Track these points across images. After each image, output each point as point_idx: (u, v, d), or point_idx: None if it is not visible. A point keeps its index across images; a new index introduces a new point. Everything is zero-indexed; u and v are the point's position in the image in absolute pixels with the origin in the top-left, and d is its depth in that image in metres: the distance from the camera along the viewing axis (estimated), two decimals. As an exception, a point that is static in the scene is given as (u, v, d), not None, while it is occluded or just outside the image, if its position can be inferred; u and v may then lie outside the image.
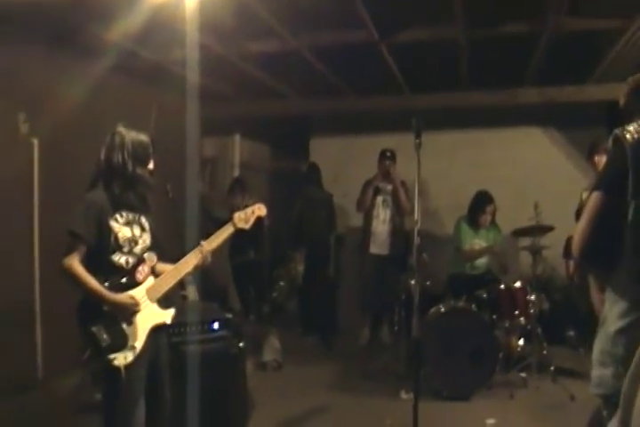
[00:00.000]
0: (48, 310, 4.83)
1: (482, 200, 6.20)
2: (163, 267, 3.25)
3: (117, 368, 2.91)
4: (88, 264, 2.95)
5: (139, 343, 3.01)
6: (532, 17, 4.88)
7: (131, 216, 3.14)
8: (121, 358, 2.93)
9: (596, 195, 2.09)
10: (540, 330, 5.50)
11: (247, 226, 3.41)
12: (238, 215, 3.40)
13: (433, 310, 5.36)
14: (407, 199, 6.69)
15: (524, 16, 4.92)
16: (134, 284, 3.09)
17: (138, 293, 3.07)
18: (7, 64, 4.50)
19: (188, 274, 3.28)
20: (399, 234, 6.88)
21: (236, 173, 8.70)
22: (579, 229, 2.10)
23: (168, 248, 3.40)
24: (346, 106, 7.75)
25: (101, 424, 3.06)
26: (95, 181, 3.12)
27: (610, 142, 2.15)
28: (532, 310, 5.43)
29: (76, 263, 2.92)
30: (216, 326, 3.92)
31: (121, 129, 3.15)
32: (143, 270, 3.14)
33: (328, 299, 7.73)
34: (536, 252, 5.66)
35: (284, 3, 4.51)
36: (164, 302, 3.19)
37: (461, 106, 7.29)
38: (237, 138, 8.90)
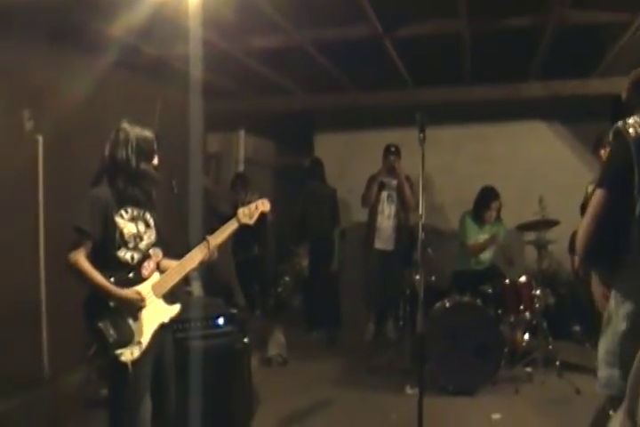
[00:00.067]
0: (54, 308, 4.84)
1: (487, 196, 6.17)
2: (168, 263, 3.25)
3: (124, 364, 2.92)
4: (93, 260, 2.96)
5: (145, 339, 3.02)
6: (535, 10, 4.85)
7: (135, 212, 3.15)
8: (128, 354, 2.94)
9: (599, 192, 2.03)
10: (545, 325, 5.50)
11: (251, 221, 3.40)
12: (242, 211, 3.39)
13: (438, 305, 5.36)
14: (412, 194, 6.67)
15: (528, 9, 4.90)
16: (140, 279, 3.09)
17: (143, 288, 3.08)
18: (11, 61, 4.49)
19: (194, 270, 3.28)
20: (404, 229, 6.86)
21: (241, 168, 8.70)
22: (583, 227, 2.05)
23: (173, 244, 3.40)
24: (350, 101, 7.73)
25: (107, 420, 3.07)
26: (99, 176, 3.12)
27: (611, 136, 2.10)
28: (537, 305, 5.42)
29: (82, 259, 2.92)
30: (221, 321, 3.93)
31: (125, 125, 3.15)
32: (149, 266, 3.14)
33: (332, 294, 7.74)
34: (541, 246, 5.65)
35: (287, -3, 4.51)
36: (169, 297, 3.19)
37: (465, 100, 7.26)
38: (242, 134, 8.90)
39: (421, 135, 3.60)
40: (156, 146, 3.25)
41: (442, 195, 7.64)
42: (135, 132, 3.14)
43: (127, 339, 2.96)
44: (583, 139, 7.10)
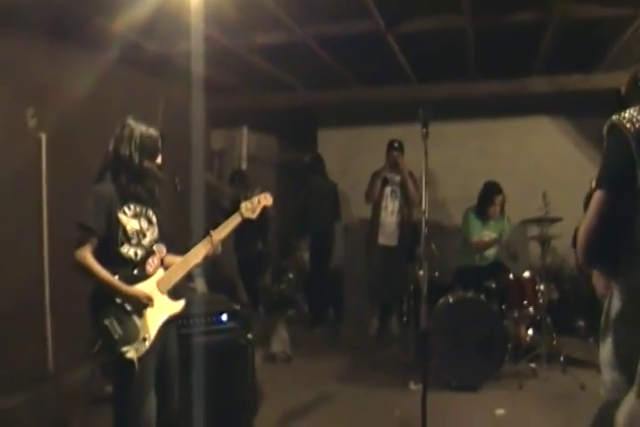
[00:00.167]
0: (58, 304, 4.85)
1: (491, 191, 6.16)
2: (172, 259, 3.24)
3: (130, 361, 2.92)
4: (97, 257, 2.95)
5: (150, 335, 3.02)
6: (539, 5, 4.84)
7: (138, 209, 3.14)
8: (133, 351, 2.93)
9: (599, 194, 1.93)
10: (549, 320, 5.49)
11: (254, 215, 3.40)
12: (245, 205, 3.39)
13: (441, 300, 5.35)
14: (416, 190, 6.67)
15: (532, 4, 4.89)
16: (144, 276, 3.09)
17: (148, 285, 3.08)
18: (13, 58, 4.49)
19: (198, 265, 3.27)
20: (407, 225, 6.86)
21: (244, 165, 8.72)
22: (582, 230, 1.97)
23: (176, 240, 3.40)
24: (353, 97, 7.72)
25: (112, 417, 3.07)
26: (103, 172, 3.11)
27: (605, 131, 1.99)
28: (541, 300, 5.41)
29: (88, 256, 2.92)
30: (224, 317, 3.93)
31: (131, 121, 3.14)
32: (153, 262, 3.14)
33: (334, 287, 7.79)
34: (545, 242, 5.64)
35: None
36: (173, 293, 3.19)
37: (469, 96, 7.25)
38: (245, 130, 8.90)
39: (424, 130, 3.58)
40: (160, 144, 3.24)
41: (445, 190, 7.62)
42: (140, 129, 3.13)
43: (133, 336, 2.96)
44: (587, 134, 7.09)
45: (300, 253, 7.80)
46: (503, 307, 5.47)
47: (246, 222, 3.39)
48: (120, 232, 3.03)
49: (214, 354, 3.74)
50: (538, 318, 5.53)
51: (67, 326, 4.76)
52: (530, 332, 5.81)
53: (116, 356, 2.93)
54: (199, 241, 3.25)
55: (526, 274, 5.53)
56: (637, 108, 1.95)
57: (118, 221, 3.03)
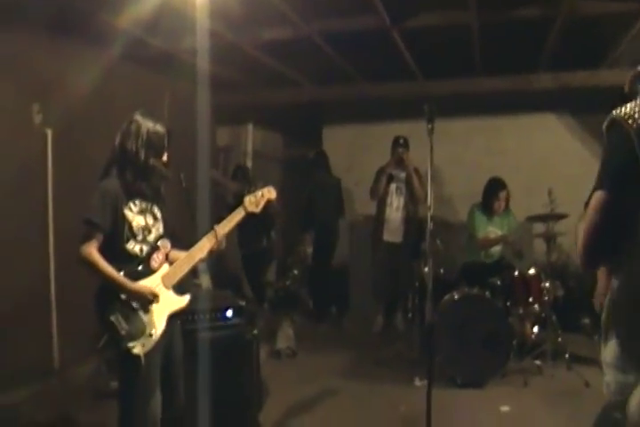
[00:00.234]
0: (63, 299, 4.87)
1: (495, 186, 6.15)
2: (176, 254, 3.24)
3: (136, 357, 2.92)
4: (102, 253, 2.95)
5: (156, 331, 3.02)
6: (545, 1, 4.82)
7: (144, 205, 3.14)
8: (139, 347, 2.94)
9: (600, 194, 1.87)
10: (554, 317, 5.48)
11: (258, 209, 3.39)
12: (249, 199, 3.39)
13: (447, 297, 5.34)
14: (421, 186, 6.65)
15: (537, 0, 4.87)
16: (149, 272, 3.09)
17: (153, 280, 3.08)
18: (17, 54, 4.50)
19: (202, 260, 3.27)
20: (412, 221, 6.85)
21: (249, 161, 8.74)
22: (584, 231, 1.90)
23: (182, 237, 3.41)
24: (358, 93, 7.71)
25: (118, 413, 3.08)
26: (109, 168, 3.10)
27: (605, 127, 1.94)
28: (546, 297, 5.40)
29: (94, 252, 2.92)
30: (229, 313, 3.93)
31: (138, 117, 3.13)
32: (158, 258, 3.14)
33: (339, 284, 7.84)
34: (550, 239, 5.62)
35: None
36: (178, 288, 3.19)
37: (474, 92, 7.23)
38: (250, 127, 8.91)
39: (430, 126, 3.57)
40: (167, 141, 3.23)
41: (451, 187, 7.62)
42: (147, 125, 3.12)
43: (139, 331, 2.96)
44: (593, 130, 7.05)
45: (304, 248, 7.85)
46: (508, 304, 5.47)
47: (251, 218, 3.40)
48: (126, 228, 3.03)
49: (219, 350, 3.74)
50: (543, 315, 5.52)
51: (72, 322, 4.78)
52: (535, 329, 5.79)
53: (123, 352, 2.92)
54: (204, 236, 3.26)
55: (532, 271, 5.52)
56: (638, 102, 1.90)
57: (124, 218, 3.03)
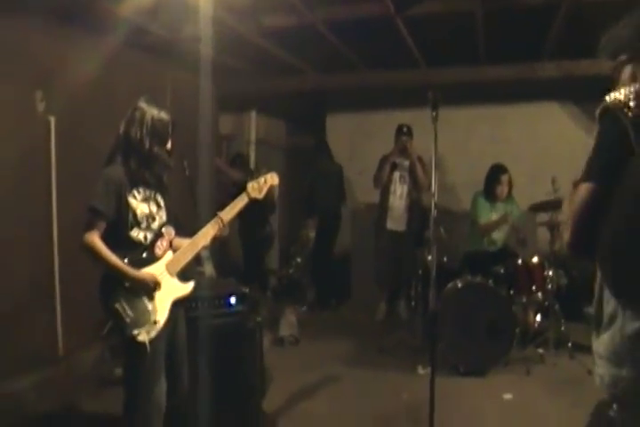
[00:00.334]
0: (67, 286, 4.87)
1: (496, 171, 6.16)
2: (180, 241, 3.25)
3: (141, 344, 2.93)
4: (106, 240, 2.96)
5: (161, 318, 3.03)
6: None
7: (147, 193, 3.14)
8: (144, 334, 2.95)
9: (588, 186, 1.79)
10: (557, 306, 5.49)
11: (261, 195, 3.40)
12: (251, 185, 3.39)
13: (450, 285, 5.34)
14: (424, 175, 6.64)
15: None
16: (153, 259, 3.11)
17: (157, 268, 3.09)
18: (20, 42, 4.48)
19: (206, 247, 3.28)
20: (416, 210, 6.84)
21: (252, 149, 8.74)
22: (570, 220, 1.88)
23: (185, 225, 3.41)
24: (362, 81, 7.67)
25: (123, 400, 3.09)
26: (113, 155, 3.11)
27: (598, 115, 1.85)
28: (549, 286, 5.41)
29: (97, 240, 2.93)
30: (233, 300, 3.93)
31: (143, 104, 3.13)
32: (162, 245, 3.15)
33: (342, 272, 7.87)
34: (554, 227, 5.61)
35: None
36: (182, 275, 3.20)
37: (478, 80, 7.19)
38: (253, 114, 8.89)
39: (434, 113, 3.56)
40: (171, 129, 3.23)
41: (454, 175, 7.61)
42: (152, 112, 3.12)
43: (143, 319, 2.98)
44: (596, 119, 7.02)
45: (307, 232, 7.91)
46: (511, 292, 5.47)
47: (252, 205, 3.40)
48: (130, 216, 3.04)
49: (223, 337, 3.75)
50: (546, 303, 5.53)
51: (76, 309, 4.79)
52: (538, 317, 5.81)
53: (128, 339, 2.94)
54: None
55: (535, 259, 5.52)
56: (632, 89, 1.82)
57: (128, 205, 3.03)
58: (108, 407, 3.94)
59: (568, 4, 4.91)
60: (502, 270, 5.57)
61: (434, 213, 3.60)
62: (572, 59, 6.58)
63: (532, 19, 5.43)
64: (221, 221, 3.24)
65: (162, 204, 3.22)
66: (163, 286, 3.07)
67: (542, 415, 4.34)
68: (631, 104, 1.74)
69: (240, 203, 3.34)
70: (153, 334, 2.97)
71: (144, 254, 3.07)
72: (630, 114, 1.72)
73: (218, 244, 3.34)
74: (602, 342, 1.93)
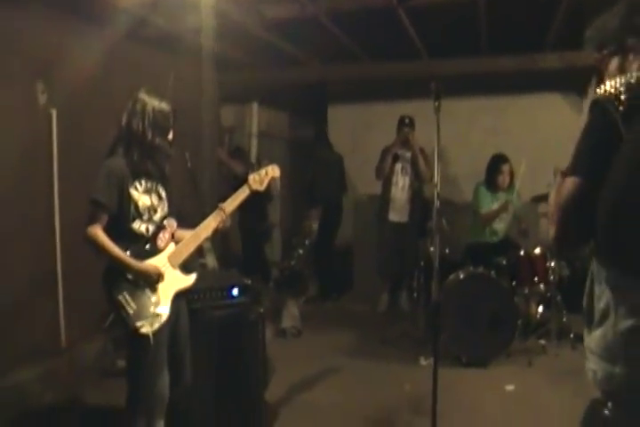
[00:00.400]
0: (70, 278, 4.88)
1: (497, 160, 6.18)
2: (182, 233, 3.25)
3: (144, 336, 2.93)
4: (108, 232, 2.95)
5: (164, 310, 3.03)
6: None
7: (149, 184, 3.14)
8: (148, 326, 2.95)
9: (572, 181, 1.81)
10: (559, 297, 5.49)
11: (262, 187, 3.41)
12: (253, 177, 3.39)
13: (452, 276, 5.34)
14: (426, 166, 6.64)
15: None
16: (156, 251, 3.10)
17: (160, 260, 3.09)
18: (22, 33, 4.47)
19: (209, 238, 3.28)
20: (418, 201, 6.84)
21: (254, 141, 8.72)
22: (553, 219, 1.88)
23: (187, 216, 3.41)
24: (364, 72, 7.66)
25: (126, 392, 3.10)
26: (115, 146, 3.10)
27: (588, 107, 1.81)
28: (551, 277, 5.41)
29: (100, 232, 2.92)
30: (235, 291, 3.93)
31: (143, 95, 3.12)
32: (164, 237, 3.15)
33: (344, 263, 7.88)
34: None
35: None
36: (184, 267, 3.20)
37: (480, 71, 7.17)
38: (255, 106, 8.87)
39: (436, 104, 3.55)
40: (172, 120, 3.23)
41: (456, 167, 7.59)
42: (153, 104, 3.11)
43: (147, 311, 2.97)
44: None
45: (310, 223, 7.92)
46: (513, 283, 5.48)
47: (252, 197, 3.40)
48: (132, 208, 3.04)
49: (225, 328, 3.75)
50: (548, 294, 5.53)
51: (79, 302, 4.80)
52: (540, 309, 5.81)
53: (131, 331, 2.94)
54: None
55: (537, 251, 5.52)
56: (622, 81, 1.78)
57: (130, 197, 3.03)
58: (110, 399, 3.94)
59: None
60: (504, 262, 5.57)
61: (437, 204, 3.59)
62: (573, 50, 6.55)
63: (533, 9, 5.41)
64: (223, 212, 3.24)
65: (163, 195, 3.22)
66: (165, 277, 3.07)
67: (544, 406, 4.35)
68: (622, 97, 1.72)
69: (242, 194, 3.34)
70: (156, 325, 2.97)
71: (146, 246, 3.07)
72: (621, 108, 1.70)
73: (219, 235, 3.33)
74: (594, 339, 1.90)
